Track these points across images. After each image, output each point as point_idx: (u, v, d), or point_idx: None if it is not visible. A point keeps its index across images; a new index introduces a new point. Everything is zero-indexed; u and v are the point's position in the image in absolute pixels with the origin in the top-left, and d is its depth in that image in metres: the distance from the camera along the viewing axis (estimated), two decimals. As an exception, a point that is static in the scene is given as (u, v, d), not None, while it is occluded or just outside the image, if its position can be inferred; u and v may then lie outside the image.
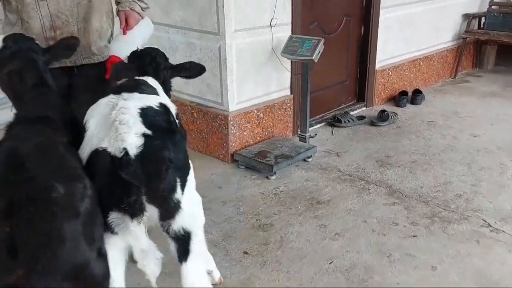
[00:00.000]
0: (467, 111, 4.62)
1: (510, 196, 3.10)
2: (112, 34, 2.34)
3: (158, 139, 1.50)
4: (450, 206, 3.00)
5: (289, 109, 3.96)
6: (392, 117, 4.37)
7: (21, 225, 1.27)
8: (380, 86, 4.78)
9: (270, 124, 3.84)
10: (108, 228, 1.52)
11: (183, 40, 3.70)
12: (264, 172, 3.42)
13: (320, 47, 3.44)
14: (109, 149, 1.45)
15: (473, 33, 5.64)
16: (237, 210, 3.01)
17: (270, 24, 3.61)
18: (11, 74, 1.90)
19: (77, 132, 1.69)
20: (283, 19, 3.70)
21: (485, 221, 2.83)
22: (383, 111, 4.38)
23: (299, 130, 3.90)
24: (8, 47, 1.91)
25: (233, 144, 3.61)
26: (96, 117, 1.61)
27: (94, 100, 1.73)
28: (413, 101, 4.84)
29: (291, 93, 3.97)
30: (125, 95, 1.63)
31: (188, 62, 2.19)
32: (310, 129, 3.93)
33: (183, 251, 1.65)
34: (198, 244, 1.66)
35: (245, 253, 2.60)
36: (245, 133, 3.67)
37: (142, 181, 1.45)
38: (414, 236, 2.70)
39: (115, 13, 2.35)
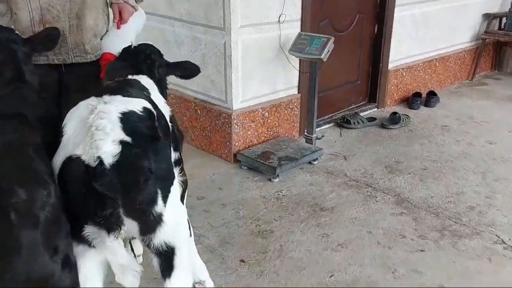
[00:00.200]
0: (484, 116, 4.42)
1: (526, 210, 2.93)
2: (107, 31, 2.21)
3: (137, 147, 1.37)
4: (461, 219, 2.84)
5: (296, 108, 3.81)
6: (404, 120, 4.20)
7: None
8: (392, 87, 4.60)
9: (275, 123, 3.70)
10: (84, 241, 1.40)
11: (188, 34, 3.57)
12: (267, 174, 3.29)
13: (330, 46, 3.29)
14: (83, 157, 1.33)
15: (493, 34, 5.41)
16: (237, 214, 2.88)
17: (278, 20, 3.47)
18: None
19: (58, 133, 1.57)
20: (292, 15, 3.55)
21: (499, 237, 2.66)
22: (394, 113, 4.21)
23: (305, 131, 3.75)
24: None
25: (236, 144, 3.47)
26: (74, 120, 1.48)
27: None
28: (427, 104, 4.65)
29: (298, 92, 3.82)
30: (106, 97, 1.50)
31: (185, 61, 2.09)
32: (317, 129, 3.78)
33: (166, 267, 1.52)
34: (183, 259, 1.53)
35: (242, 261, 2.47)
36: (249, 132, 3.54)
37: (118, 192, 1.33)
38: (422, 250, 2.55)
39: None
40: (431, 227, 2.75)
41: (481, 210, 2.93)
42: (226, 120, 3.44)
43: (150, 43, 2.05)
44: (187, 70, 2.06)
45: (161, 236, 1.44)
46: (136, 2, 2.18)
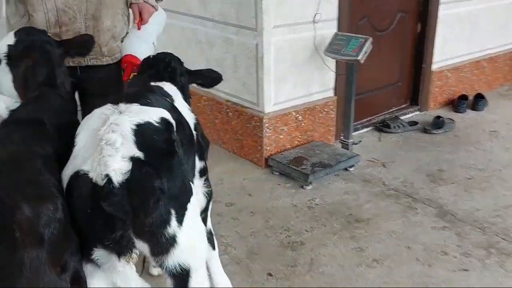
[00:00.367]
0: (536, 121, 4.11)
1: None
2: (127, 33, 2.14)
3: (149, 164, 1.26)
4: (510, 235, 2.60)
5: (332, 112, 3.65)
6: (449, 124, 3.95)
7: None
8: (436, 89, 4.35)
9: (310, 127, 3.55)
10: (93, 263, 1.30)
11: (220, 35, 3.47)
12: (299, 181, 3.14)
13: (367, 47, 3.11)
14: (91, 174, 1.23)
15: (547, 32, 5.03)
16: (266, 223, 2.75)
17: (314, 20, 3.31)
18: (26, 70, 1.74)
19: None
20: (328, 15, 3.39)
21: (553, 257, 2.42)
22: (438, 117, 3.97)
23: (341, 135, 3.58)
24: (22, 41, 1.76)
25: (268, 148, 3.35)
26: (86, 130, 1.39)
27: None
28: (474, 107, 4.36)
29: (335, 95, 3.65)
30: (122, 106, 1.40)
31: (206, 69, 2.03)
32: (355, 133, 3.62)
33: None
34: (199, 281, 1.41)
35: (270, 275, 2.34)
36: (281, 136, 3.40)
37: (128, 214, 1.22)
38: (466, 270, 2.34)
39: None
40: (476, 243, 2.53)
41: (534, 226, 2.68)
42: (258, 123, 3.32)
43: (169, 51, 1.98)
44: (209, 78, 2.00)
45: (174, 258, 1.33)
46: (156, 1, 2.09)
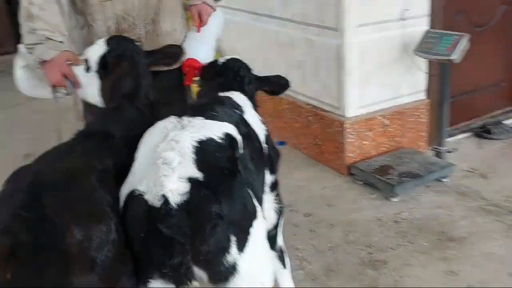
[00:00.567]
0: None
1: None
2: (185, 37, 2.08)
3: (208, 186, 1.16)
4: None
5: (423, 116, 3.35)
6: None
7: (24, 274, 1.06)
8: (547, 90, 3.84)
9: (398, 133, 3.29)
10: None
11: (302, 36, 3.34)
12: (385, 191, 2.91)
13: (463, 45, 2.81)
14: (147, 196, 1.15)
15: None
16: (346, 237, 2.57)
17: (402, 17, 3.06)
18: (114, 80, 1.74)
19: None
20: (419, 10, 3.14)
21: None
22: (550, 121, 3.49)
23: (435, 142, 3.26)
24: (113, 50, 1.76)
25: (351, 155, 3.15)
26: (147, 145, 1.32)
27: (171, 113, 1.46)
28: None
29: (427, 97, 3.35)
30: (185, 120, 1.32)
31: (274, 75, 1.92)
32: (450, 140, 3.31)
33: None
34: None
35: (347, 295, 2.16)
36: (365, 142, 3.19)
37: (187, 237, 1.12)
38: None
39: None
40: None
41: None
42: (339, 128, 3.14)
43: (237, 57, 1.91)
44: (276, 84, 1.91)
45: (235, 286, 1.21)
46: (214, 0, 2.01)
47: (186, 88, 2.03)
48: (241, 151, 1.37)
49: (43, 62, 1.79)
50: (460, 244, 2.43)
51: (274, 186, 1.80)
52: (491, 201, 2.76)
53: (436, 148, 3.22)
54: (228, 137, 1.32)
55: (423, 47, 3.00)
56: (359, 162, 3.14)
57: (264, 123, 1.79)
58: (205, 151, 1.22)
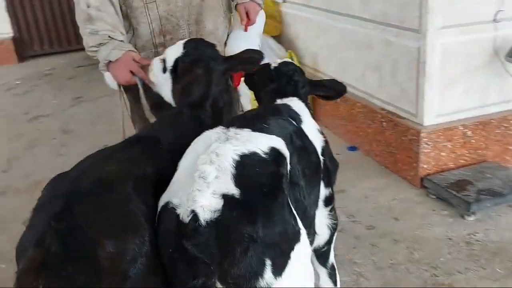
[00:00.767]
0: None
1: None
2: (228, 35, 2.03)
3: (244, 205, 1.09)
4: None
5: (512, 128, 3.03)
6: None
7: (56, 285, 1.06)
8: None
9: (481, 145, 3.02)
10: None
11: (380, 36, 3.16)
12: (460, 209, 2.67)
13: None
14: (178, 210, 1.11)
15: None
16: (410, 255, 2.40)
17: (494, 19, 2.77)
18: (184, 85, 1.74)
19: None
20: (515, 12, 2.80)
21: None
22: None
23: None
24: (189, 55, 1.75)
25: (425, 166, 2.94)
26: (190, 154, 1.28)
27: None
28: None
29: (519, 107, 3.04)
30: (231, 131, 1.27)
31: (329, 79, 1.83)
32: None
33: None
34: None
35: (405, 319, 2.02)
36: (443, 153, 2.95)
37: (214, 258, 1.06)
38: None
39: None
40: None
41: None
42: (414, 137, 2.93)
43: (289, 60, 1.84)
44: (331, 90, 1.80)
45: None
46: None
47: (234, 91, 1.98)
48: (288, 167, 1.29)
49: (109, 64, 1.83)
50: (541, 276, 2.17)
51: (329, 200, 1.70)
52: None
53: (525, 165, 2.92)
54: (274, 151, 1.23)
55: (517, 52, 2.71)
56: (433, 174, 2.92)
57: (321, 132, 1.71)
58: (245, 166, 1.15)
